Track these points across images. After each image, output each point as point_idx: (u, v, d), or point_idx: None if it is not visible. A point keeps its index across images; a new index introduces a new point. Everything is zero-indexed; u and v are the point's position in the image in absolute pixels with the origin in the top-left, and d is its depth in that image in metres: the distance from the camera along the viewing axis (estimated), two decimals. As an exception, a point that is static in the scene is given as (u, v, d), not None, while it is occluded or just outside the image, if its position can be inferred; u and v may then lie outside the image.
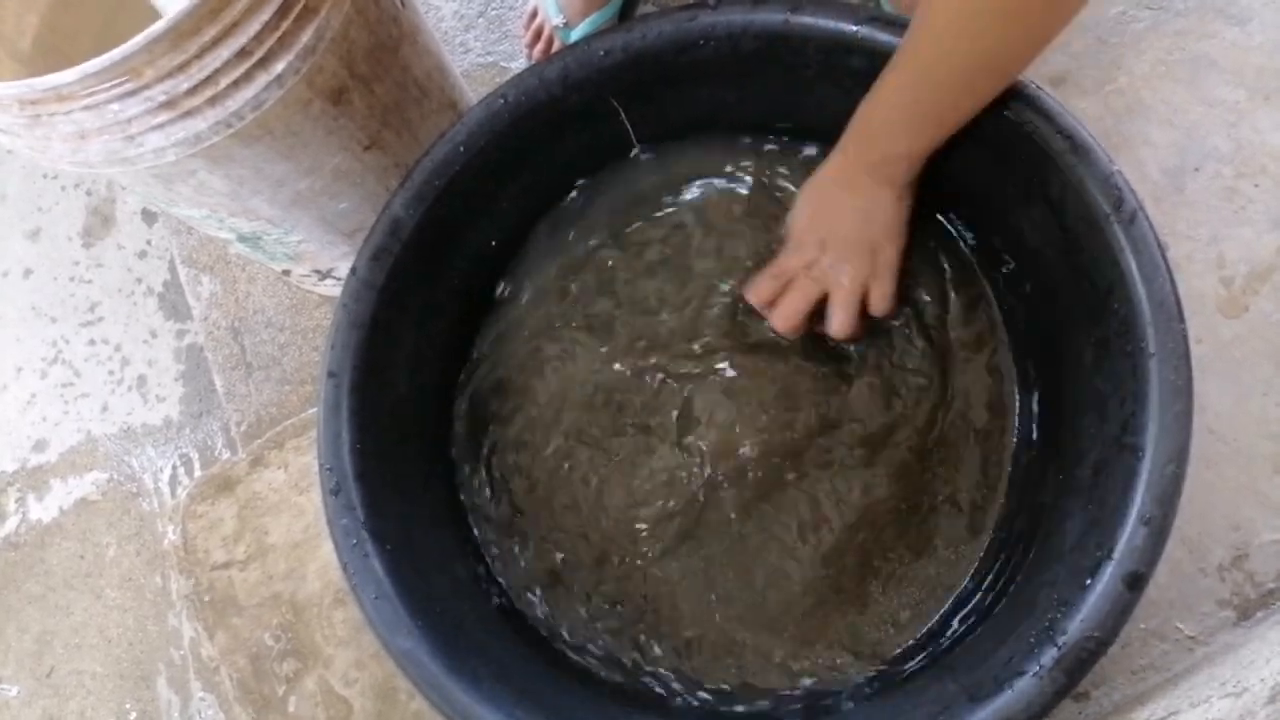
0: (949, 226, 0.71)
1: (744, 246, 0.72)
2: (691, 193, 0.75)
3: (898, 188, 0.62)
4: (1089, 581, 0.52)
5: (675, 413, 0.69)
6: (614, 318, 0.72)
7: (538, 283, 0.75)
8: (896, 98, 0.59)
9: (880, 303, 0.66)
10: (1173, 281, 0.55)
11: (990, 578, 0.64)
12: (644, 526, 0.68)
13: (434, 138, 0.67)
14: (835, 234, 0.65)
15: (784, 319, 0.66)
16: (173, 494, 0.99)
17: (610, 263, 0.74)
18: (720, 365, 0.70)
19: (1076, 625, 0.51)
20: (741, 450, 0.67)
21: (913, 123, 0.59)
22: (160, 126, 0.59)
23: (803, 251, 0.66)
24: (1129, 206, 0.56)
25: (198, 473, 0.98)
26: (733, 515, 0.67)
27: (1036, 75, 0.66)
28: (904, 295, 0.69)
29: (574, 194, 0.76)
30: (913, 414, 0.68)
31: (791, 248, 0.67)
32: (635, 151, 0.75)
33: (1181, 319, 0.54)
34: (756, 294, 0.68)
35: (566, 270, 0.74)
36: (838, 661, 0.64)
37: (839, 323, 0.65)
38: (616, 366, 0.71)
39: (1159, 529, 0.51)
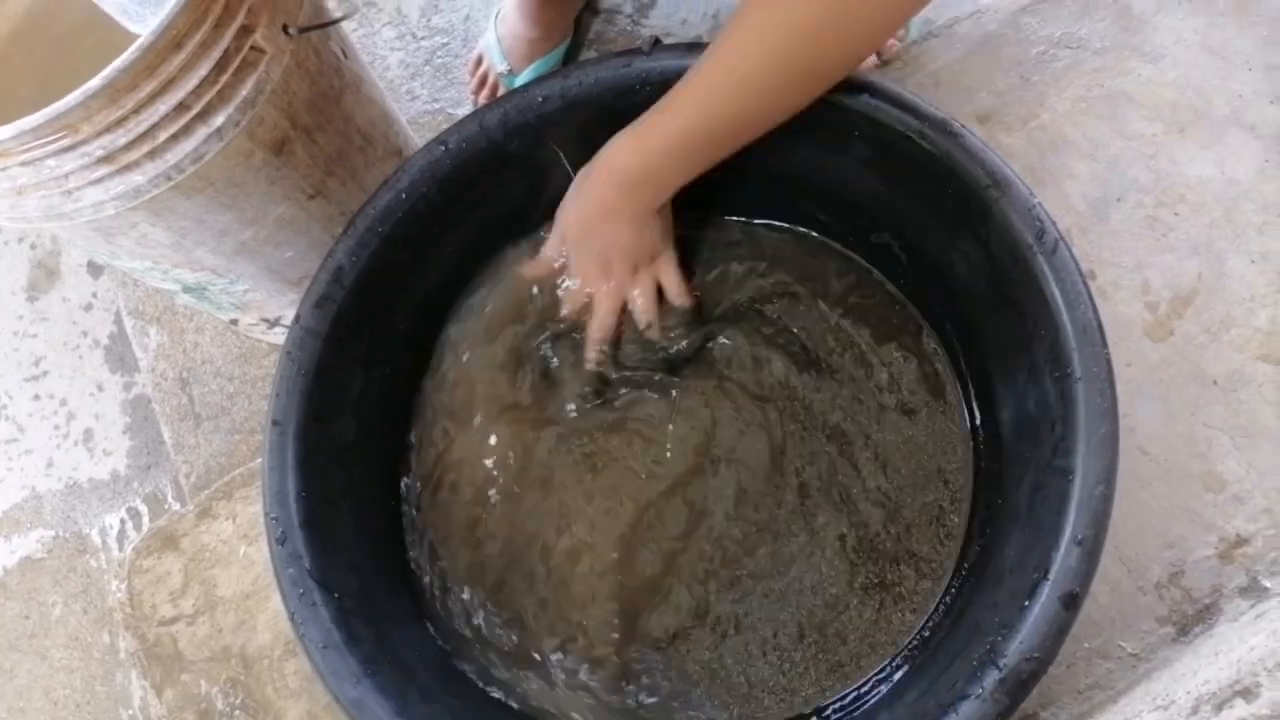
0: (884, 268, 0.74)
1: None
2: None
3: (662, 206, 0.67)
4: (1027, 603, 0.53)
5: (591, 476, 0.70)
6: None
7: (474, 335, 0.74)
8: (686, 127, 0.61)
9: (678, 295, 0.71)
10: (1095, 308, 0.57)
11: (942, 610, 0.65)
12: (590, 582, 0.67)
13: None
14: (613, 251, 0.68)
15: (601, 330, 0.70)
16: (121, 549, 0.97)
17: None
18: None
19: (1016, 647, 0.52)
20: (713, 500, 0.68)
21: (694, 156, 0.62)
22: (99, 181, 0.59)
23: (586, 268, 0.70)
24: (1050, 237, 0.58)
25: (146, 526, 0.97)
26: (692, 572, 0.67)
27: (961, 113, 0.68)
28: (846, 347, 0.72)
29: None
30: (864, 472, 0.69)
31: (576, 264, 0.71)
32: None
33: (1104, 344, 0.56)
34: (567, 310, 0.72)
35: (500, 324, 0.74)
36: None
37: (643, 308, 0.70)
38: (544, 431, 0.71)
39: (1091, 549, 0.53)
